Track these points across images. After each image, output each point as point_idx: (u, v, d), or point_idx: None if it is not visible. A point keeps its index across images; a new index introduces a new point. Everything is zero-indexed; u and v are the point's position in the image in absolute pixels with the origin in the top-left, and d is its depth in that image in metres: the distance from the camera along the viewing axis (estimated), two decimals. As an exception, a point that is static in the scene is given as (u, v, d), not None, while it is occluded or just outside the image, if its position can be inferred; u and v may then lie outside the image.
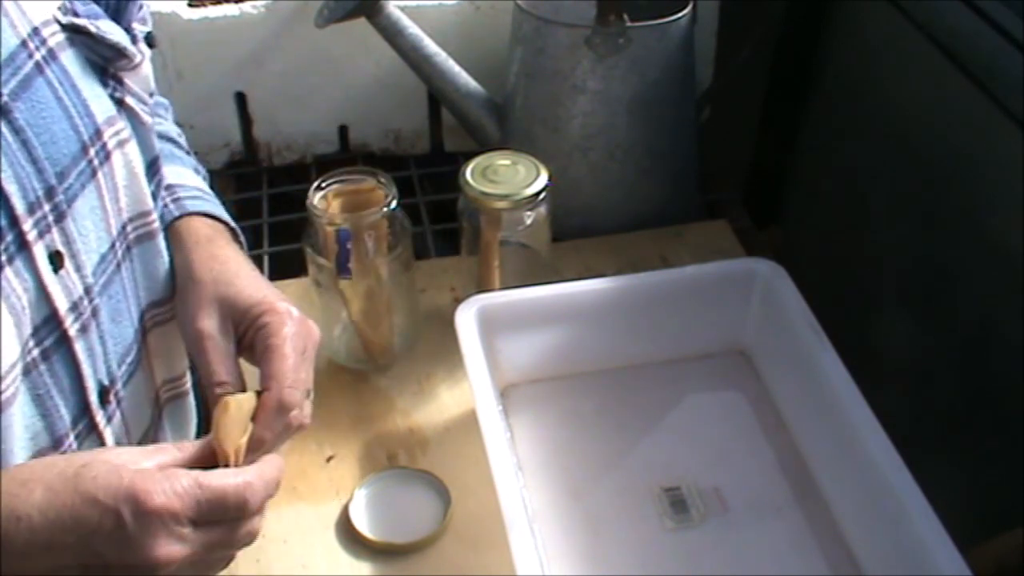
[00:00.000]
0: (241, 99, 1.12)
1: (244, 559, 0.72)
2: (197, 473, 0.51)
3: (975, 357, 0.85)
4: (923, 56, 0.86)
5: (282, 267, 1.01)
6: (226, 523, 0.52)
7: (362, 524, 0.74)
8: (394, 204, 0.80)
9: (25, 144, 0.54)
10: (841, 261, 1.06)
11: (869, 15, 0.97)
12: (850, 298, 1.02)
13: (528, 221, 0.85)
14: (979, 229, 0.84)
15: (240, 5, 1.06)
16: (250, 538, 0.54)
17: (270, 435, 0.58)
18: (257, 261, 1.02)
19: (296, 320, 0.64)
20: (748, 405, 0.82)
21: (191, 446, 0.55)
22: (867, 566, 0.70)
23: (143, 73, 0.63)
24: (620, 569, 0.71)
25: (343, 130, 1.16)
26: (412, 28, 1.00)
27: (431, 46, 1.01)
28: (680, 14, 0.96)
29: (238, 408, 0.58)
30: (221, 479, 0.52)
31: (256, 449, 0.57)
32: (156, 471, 0.51)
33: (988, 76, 0.79)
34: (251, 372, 0.63)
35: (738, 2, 1.14)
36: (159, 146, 0.67)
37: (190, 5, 1.06)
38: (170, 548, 0.49)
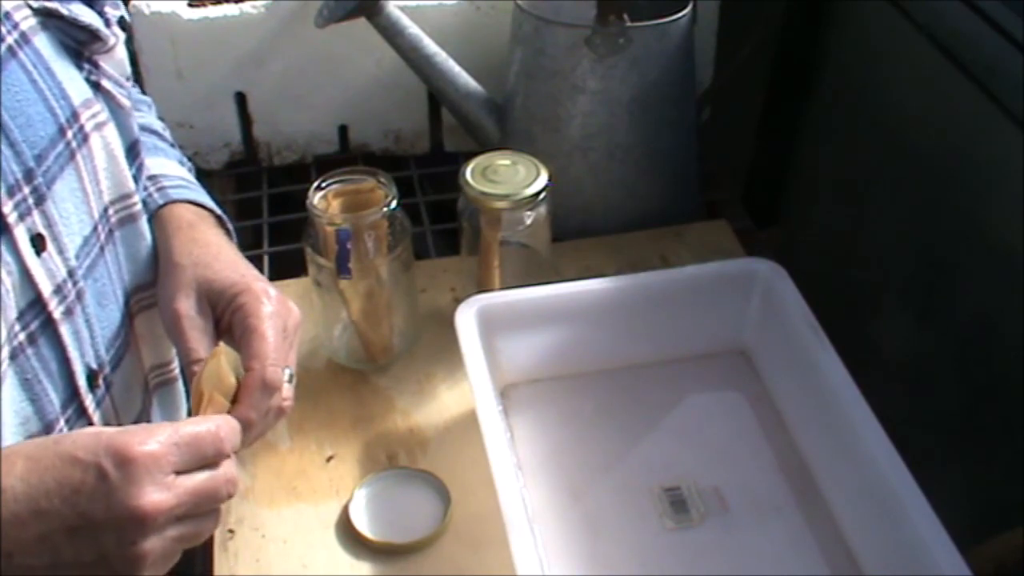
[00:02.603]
0: (241, 99, 1.12)
1: (244, 559, 0.73)
2: (171, 423, 0.52)
3: (975, 356, 0.85)
4: (923, 56, 0.86)
5: (282, 267, 1.01)
6: (207, 469, 0.53)
7: (362, 524, 0.74)
8: (394, 204, 0.80)
9: (1, 127, 0.54)
10: (841, 261, 1.06)
11: (869, 15, 0.97)
12: (850, 298, 1.02)
13: (528, 221, 0.85)
14: (979, 229, 0.84)
15: (240, 5, 1.06)
16: (232, 487, 0.54)
17: (256, 415, 0.59)
18: (257, 261, 1.03)
19: (273, 299, 0.64)
20: (748, 405, 0.82)
21: None
22: (867, 566, 0.70)
23: (118, 57, 0.64)
24: (620, 569, 0.71)
25: (343, 130, 1.16)
26: (412, 28, 1.00)
27: (431, 46, 1.01)
28: (680, 14, 0.96)
29: (225, 362, 0.59)
30: (194, 424, 0.53)
31: (245, 431, 0.57)
32: (134, 427, 0.52)
33: (988, 76, 0.79)
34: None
35: (738, 2, 1.14)
36: (142, 137, 0.67)
37: (190, 5, 1.06)
38: (156, 496, 0.49)
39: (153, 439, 0.50)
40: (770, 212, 1.17)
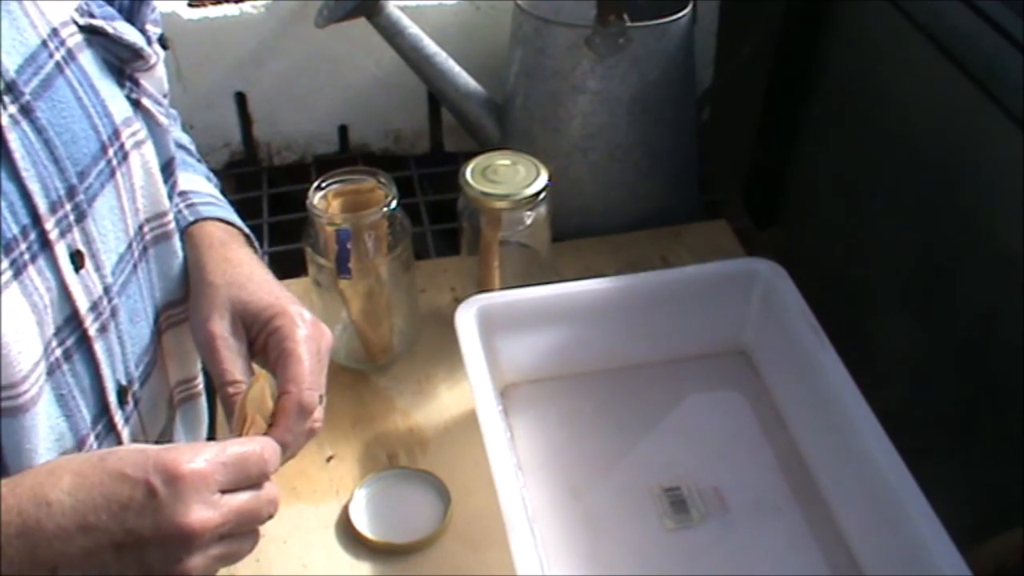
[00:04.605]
0: (241, 99, 1.12)
1: (244, 559, 0.72)
2: (217, 443, 0.53)
3: (975, 357, 0.85)
4: (923, 56, 0.86)
5: (282, 267, 1.01)
6: (251, 489, 0.53)
7: (362, 524, 0.74)
8: (394, 204, 0.80)
9: (47, 143, 0.54)
10: (841, 261, 1.06)
11: (869, 15, 0.97)
12: (850, 298, 1.02)
13: (528, 221, 0.85)
14: (979, 229, 0.84)
15: (240, 5, 1.06)
16: (273, 507, 0.55)
17: (291, 438, 0.59)
18: (257, 261, 1.03)
19: (308, 323, 0.64)
20: (748, 405, 0.82)
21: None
22: (867, 566, 0.70)
23: (158, 74, 0.64)
24: (620, 569, 0.71)
25: (343, 130, 1.16)
26: (412, 28, 1.00)
27: (431, 46, 1.01)
28: (680, 14, 0.96)
29: (267, 385, 0.60)
30: (240, 444, 0.54)
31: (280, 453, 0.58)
32: (180, 445, 0.52)
33: (988, 76, 0.79)
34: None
35: (738, 2, 1.14)
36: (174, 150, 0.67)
37: (190, 5, 1.06)
38: (203, 514, 0.50)
39: (200, 457, 0.50)
40: (770, 212, 1.17)
